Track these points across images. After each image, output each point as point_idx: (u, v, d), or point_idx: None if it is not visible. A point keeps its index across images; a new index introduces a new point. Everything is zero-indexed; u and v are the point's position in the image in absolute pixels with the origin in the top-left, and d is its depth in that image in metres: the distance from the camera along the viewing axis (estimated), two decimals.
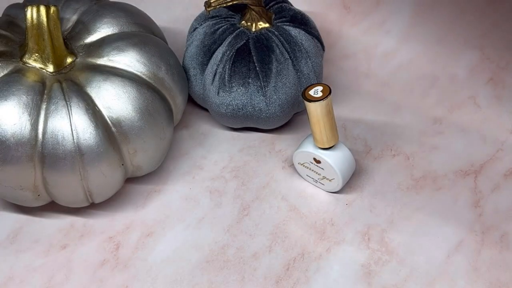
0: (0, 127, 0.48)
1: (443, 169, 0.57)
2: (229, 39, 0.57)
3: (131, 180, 0.56)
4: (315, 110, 0.51)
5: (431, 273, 0.51)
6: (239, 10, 0.59)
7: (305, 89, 0.52)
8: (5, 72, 0.50)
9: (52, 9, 0.49)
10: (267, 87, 0.56)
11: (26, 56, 0.51)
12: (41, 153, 0.48)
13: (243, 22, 0.58)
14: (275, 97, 0.56)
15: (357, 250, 0.52)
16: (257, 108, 0.56)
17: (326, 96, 0.51)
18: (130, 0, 0.63)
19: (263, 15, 0.57)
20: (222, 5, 0.56)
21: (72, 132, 0.48)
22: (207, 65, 0.57)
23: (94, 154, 0.49)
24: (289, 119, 0.60)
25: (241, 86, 0.56)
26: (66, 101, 0.49)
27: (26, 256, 0.52)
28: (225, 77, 0.56)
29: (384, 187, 0.56)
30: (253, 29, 0.57)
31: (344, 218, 0.54)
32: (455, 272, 0.51)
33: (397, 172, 0.57)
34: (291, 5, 0.61)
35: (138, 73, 0.52)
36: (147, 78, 0.52)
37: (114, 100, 0.50)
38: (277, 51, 0.56)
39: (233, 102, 0.56)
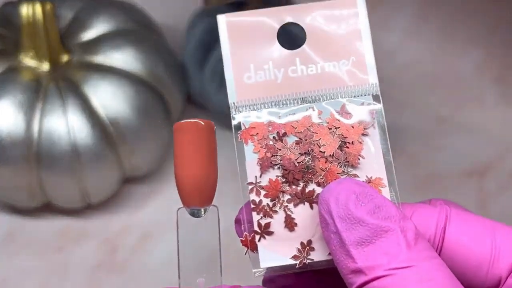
0: None
1: (448, 169, 0.57)
2: None
3: (128, 181, 0.56)
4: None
5: None
6: (239, 6, 0.58)
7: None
8: (0, 70, 0.50)
9: (48, 6, 0.49)
10: None
11: (22, 54, 0.50)
12: (37, 153, 0.48)
13: None
14: None
15: None
16: None
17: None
18: None
19: None
20: (221, 2, 0.56)
21: (68, 132, 0.48)
22: (206, 62, 0.57)
23: (90, 153, 0.49)
24: None
25: None
26: (62, 100, 0.49)
27: (21, 258, 0.51)
28: None
29: None
30: None
31: None
32: None
33: (401, 172, 0.56)
34: (292, 2, 0.60)
35: (136, 71, 0.51)
36: (144, 76, 0.52)
37: (111, 99, 0.50)
38: None
39: None
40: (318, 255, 0.27)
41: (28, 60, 0.50)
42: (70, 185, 0.49)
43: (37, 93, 0.49)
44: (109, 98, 0.49)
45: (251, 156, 0.28)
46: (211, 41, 0.57)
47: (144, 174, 0.55)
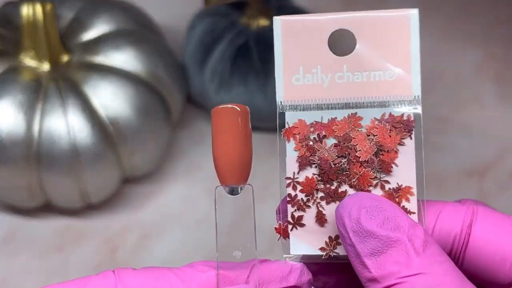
0: None
1: (447, 169, 0.57)
2: (229, 36, 0.56)
3: (128, 181, 0.56)
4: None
5: None
6: (239, 7, 0.58)
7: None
8: (0, 70, 0.50)
9: (48, 6, 0.49)
10: (268, 86, 0.55)
11: (22, 54, 0.50)
12: (37, 153, 0.48)
13: (243, 19, 0.57)
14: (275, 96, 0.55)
15: None
16: (257, 107, 0.56)
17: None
18: None
19: (263, 12, 0.57)
20: (222, 2, 0.55)
21: (68, 132, 0.48)
22: (206, 63, 0.56)
23: (90, 154, 0.48)
24: None
25: (241, 84, 0.55)
26: (62, 100, 0.48)
27: (22, 258, 0.51)
28: (225, 75, 0.55)
29: None
30: (254, 27, 0.57)
31: None
32: None
33: None
34: (292, 1, 0.60)
35: (136, 71, 0.51)
36: (144, 77, 0.52)
37: (111, 99, 0.49)
38: None
39: (233, 101, 0.56)
40: (343, 250, 0.29)
41: (28, 60, 0.50)
42: (70, 185, 0.49)
43: (37, 93, 0.49)
44: (109, 98, 0.49)
45: (292, 153, 0.29)
46: (211, 41, 0.56)
47: (144, 174, 0.54)
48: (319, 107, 0.29)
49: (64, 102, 0.48)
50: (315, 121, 0.29)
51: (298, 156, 0.29)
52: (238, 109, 0.28)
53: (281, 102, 0.29)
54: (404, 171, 0.29)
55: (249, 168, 0.28)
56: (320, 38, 0.29)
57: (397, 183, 0.29)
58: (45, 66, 0.50)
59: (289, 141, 0.29)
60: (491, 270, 0.28)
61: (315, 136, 0.29)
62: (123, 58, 0.51)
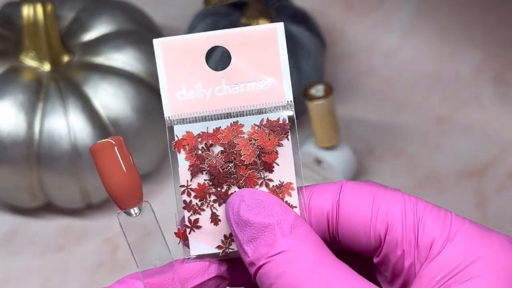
0: None
1: (446, 169, 0.57)
2: None
3: None
4: (316, 109, 0.50)
5: None
6: (239, 7, 0.58)
7: (307, 87, 0.51)
8: (1, 71, 0.50)
9: (49, 6, 0.49)
10: None
11: (23, 54, 0.50)
12: (37, 153, 0.48)
13: (243, 20, 0.57)
14: None
15: None
16: None
17: (328, 95, 0.50)
18: None
19: (263, 12, 0.57)
20: (221, 3, 0.55)
21: (69, 132, 0.48)
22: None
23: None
24: None
25: None
26: (63, 101, 0.49)
27: (22, 258, 0.51)
28: None
29: None
30: None
31: None
32: None
33: (400, 172, 0.56)
34: (292, 2, 0.60)
35: (136, 72, 0.51)
36: (145, 77, 0.52)
37: (112, 99, 0.50)
38: None
39: None
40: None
41: (29, 61, 0.50)
42: (70, 185, 0.50)
43: (37, 94, 0.49)
44: (109, 98, 0.50)
45: (183, 163, 0.32)
46: None
47: (144, 174, 0.54)
48: (204, 119, 0.32)
49: (64, 103, 0.49)
50: (202, 132, 0.32)
51: (189, 165, 0.32)
52: (113, 141, 0.30)
53: (169, 117, 0.32)
54: (285, 169, 0.32)
55: (140, 189, 0.30)
56: (197, 55, 0.32)
57: (279, 180, 0.32)
58: (46, 67, 0.50)
59: (179, 152, 0.32)
60: (357, 240, 0.31)
61: (203, 145, 0.32)
62: (123, 59, 0.51)
